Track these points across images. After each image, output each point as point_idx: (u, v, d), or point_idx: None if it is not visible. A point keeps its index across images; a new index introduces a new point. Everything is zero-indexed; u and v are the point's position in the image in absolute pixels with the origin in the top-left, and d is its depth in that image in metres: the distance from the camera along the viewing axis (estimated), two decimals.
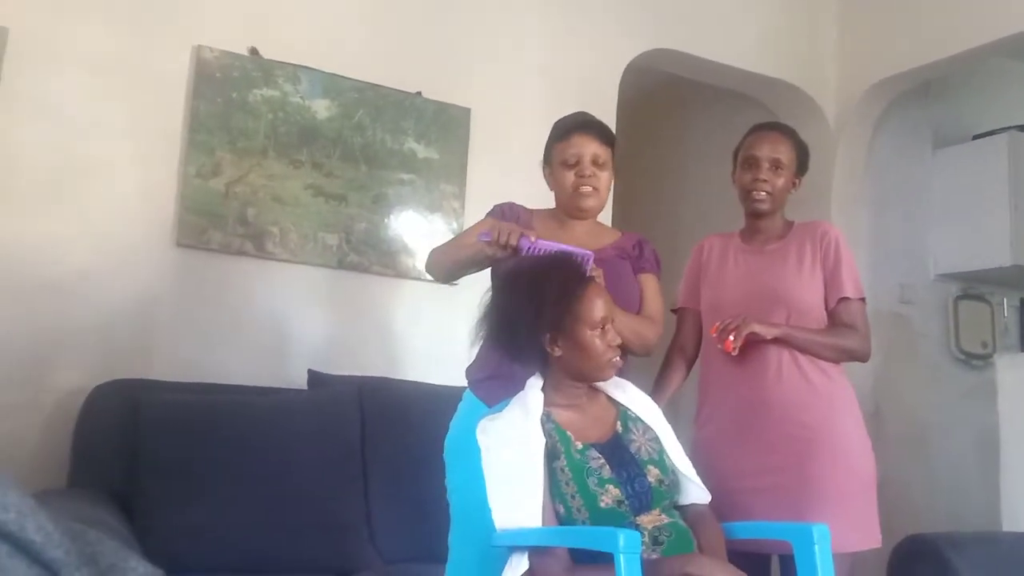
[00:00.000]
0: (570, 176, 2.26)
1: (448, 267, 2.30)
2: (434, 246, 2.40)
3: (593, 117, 2.34)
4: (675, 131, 5.26)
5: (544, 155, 2.36)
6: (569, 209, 2.30)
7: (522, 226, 2.21)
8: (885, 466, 4.09)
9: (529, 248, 2.02)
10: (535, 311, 1.91)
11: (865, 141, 4.40)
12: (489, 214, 2.35)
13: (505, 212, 2.32)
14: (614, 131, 3.79)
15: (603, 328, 1.93)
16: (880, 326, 4.32)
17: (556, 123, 2.36)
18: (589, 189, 2.26)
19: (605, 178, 2.29)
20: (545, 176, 2.36)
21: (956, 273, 4.59)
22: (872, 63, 4.23)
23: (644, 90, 4.77)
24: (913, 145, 4.63)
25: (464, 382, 2.27)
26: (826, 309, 2.36)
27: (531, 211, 2.35)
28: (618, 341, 1.95)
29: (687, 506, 1.97)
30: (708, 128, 4.88)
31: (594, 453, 1.89)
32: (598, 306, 1.93)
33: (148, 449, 2.61)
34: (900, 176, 4.55)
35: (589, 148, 2.26)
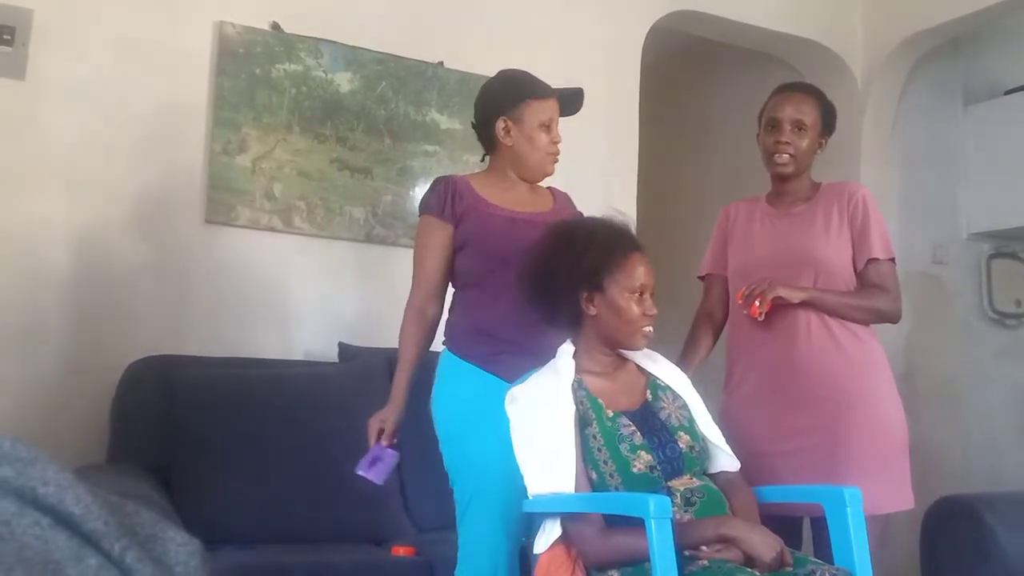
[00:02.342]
0: (546, 139, 2.21)
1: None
2: (407, 309, 2.27)
3: (575, 89, 2.29)
4: (700, 94, 5.20)
5: (503, 106, 2.22)
6: (533, 173, 2.25)
7: (471, 200, 2.19)
8: (918, 427, 4.07)
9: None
10: (576, 265, 1.93)
11: (894, 99, 4.33)
12: (428, 193, 2.26)
13: (447, 201, 2.20)
14: (637, 97, 3.80)
15: (641, 295, 1.94)
16: (912, 286, 4.28)
17: (520, 78, 2.26)
18: (557, 158, 2.24)
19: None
20: (498, 128, 2.22)
21: (989, 232, 4.52)
22: (899, 19, 4.15)
23: (668, 53, 4.72)
24: (943, 102, 4.55)
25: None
26: (855, 270, 2.33)
27: (467, 180, 2.27)
28: (654, 312, 1.95)
29: (717, 474, 1.98)
30: (734, 90, 4.82)
31: (625, 420, 1.90)
32: (640, 272, 1.94)
33: (184, 424, 2.65)
34: (930, 134, 4.48)
35: (558, 113, 2.24)
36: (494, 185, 2.25)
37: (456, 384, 2.18)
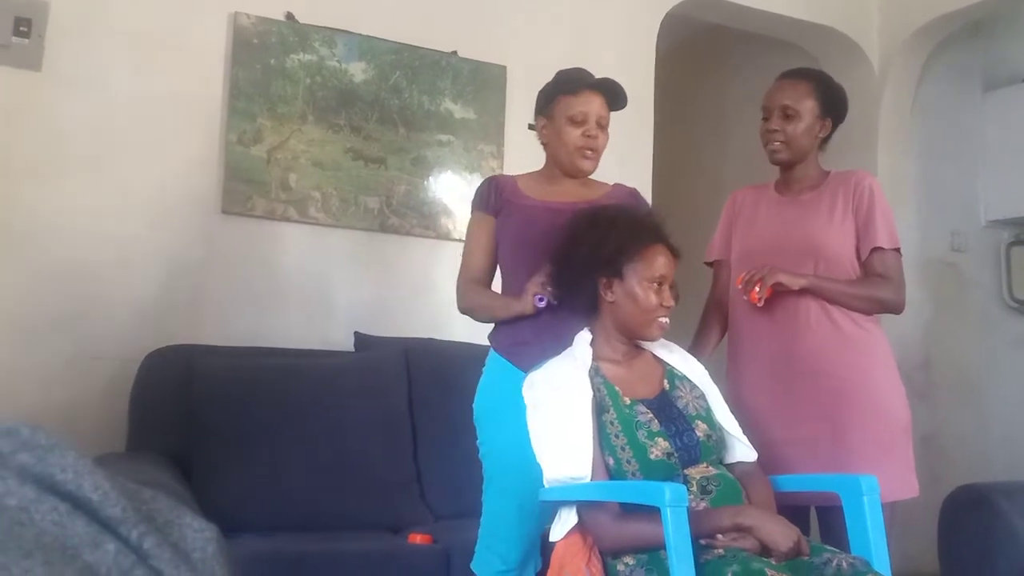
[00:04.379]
0: (575, 133, 2.18)
1: (487, 320, 2.26)
2: (459, 289, 2.28)
3: (605, 78, 2.25)
4: (716, 82, 5.18)
5: (541, 106, 2.26)
6: (567, 168, 2.23)
7: (508, 193, 2.22)
8: (937, 416, 4.07)
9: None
10: (597, 248, 1.94)
11: (912, 86, 4.30)
12: (474, 200, 2.30)
13: (489, 196, 2.26)
14: (652, 84, 3.79)
15: (660, 285, 1.93)
16: (930, 275, 4.26)
17: (563, 75, 2.27)
18: (591, 153, 2.20)
19: (604, 140, 2.23)
20: (538, 127, 2.27)
21: (1008, 219, 4.49)
22: (917, 5, 4.12)
23: (683, 41, 4.70)
24: (961, 89, 4.51)
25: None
26: (859, 259, 2.31)
27: (514, 178, 2.30)
28: (671, 303, 1.95)
29: (734, 464, 1.97)
30: (750, 78, 4.78)
31: (642, 408, 1.90)
32: (660, 262, 1.94)
33: (202, 412, 2.67)
34: (949, 121, 4.45)
35: (597, 108, 2.20)
36: (540, 181, 2.28)
37: (486, 373, 2.23)
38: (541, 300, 2.04)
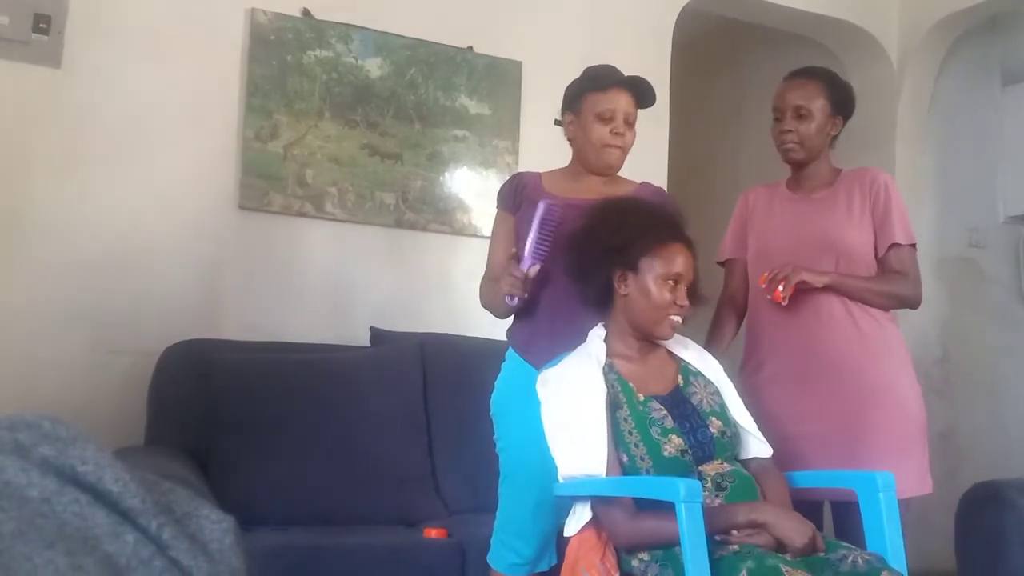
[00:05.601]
0: (603, 131, 2.17)
1: (500, 312, 2.26)
2: (480, 287, 2.31)
3: (634, 75, 2.24)
4: (733, 78, 5.16)
5: (569, 102, 2.24)
6: (594, 165, 2.22)
7: (531, 191, 2.21)
8: (953, 413, 4.05)
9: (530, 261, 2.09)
10: (611, 238, 1.92)
11: (930, 80, 4.27)
12: (497, 198, 2.31)
13: (510, 193, 2.27)
14: (668, 79, 3.78)
15: (676, 284, 1.92)
16: (948, 271, 4.24)
17: (592, 72, 2.25)
18: (618, 151, 2.19)
19: (631, 138, 2.21)
20: (565, 123, 2.26)
21: None
22: (936, 0, 4.09)
23: (699, 35, 4.68)
24: (981, 83, 4.48)
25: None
26: (876, 256, 2.31)
27: (539, 175, 2.29)
28: (686, 303, 1.93)
29: (749, 460, 1.97)
30: (766, 73, 4.74)
31: (656, 404, 1.89)
32: (678, 261, 1.92)
33: (219, 407, 2.69)
34: (967, 115, 4.41)
35: (625, 105, 2.18)
36: (565, 178, 2.27)
37: (504, 369, 2.24)
38: (512, 299, 2.08)
